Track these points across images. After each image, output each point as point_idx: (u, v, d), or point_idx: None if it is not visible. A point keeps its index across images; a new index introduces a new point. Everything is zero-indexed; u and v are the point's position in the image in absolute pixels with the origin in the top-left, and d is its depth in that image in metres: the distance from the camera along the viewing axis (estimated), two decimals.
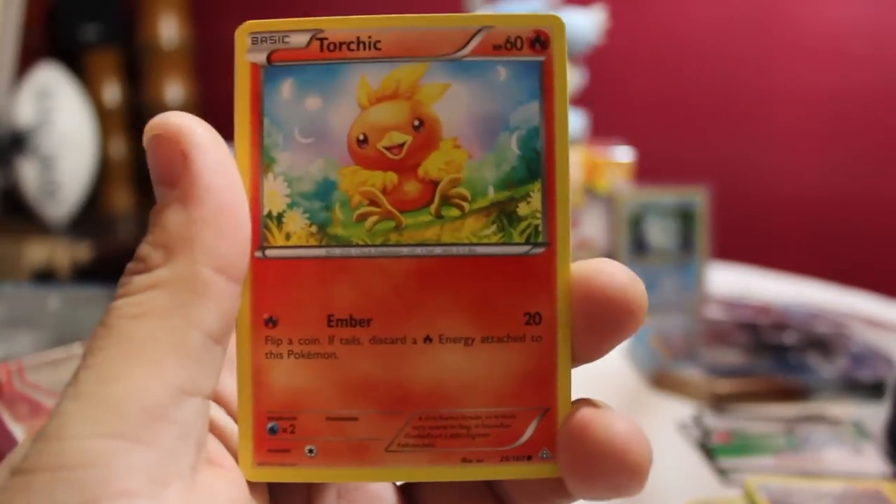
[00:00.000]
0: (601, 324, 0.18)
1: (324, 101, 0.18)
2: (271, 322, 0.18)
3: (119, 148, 1.62)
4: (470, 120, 0.18)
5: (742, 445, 0.50)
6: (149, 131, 0.17)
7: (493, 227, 0.18)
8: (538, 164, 0.18)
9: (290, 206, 0.18)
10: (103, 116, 1.50)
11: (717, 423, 0.54)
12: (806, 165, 1.24)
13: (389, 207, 0.18)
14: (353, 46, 0.18)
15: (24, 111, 1.25)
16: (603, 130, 0.96)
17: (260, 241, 0.18)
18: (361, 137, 0.18)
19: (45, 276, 1.22)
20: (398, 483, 0.20)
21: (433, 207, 0.18)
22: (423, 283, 0.18)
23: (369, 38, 0.18)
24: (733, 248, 0.97)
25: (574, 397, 0.19)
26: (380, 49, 0.18)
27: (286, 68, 0.18)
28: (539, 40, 0.18)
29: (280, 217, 0.18)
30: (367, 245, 0.18)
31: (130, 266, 0.17)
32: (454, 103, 0.18)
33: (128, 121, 1.63)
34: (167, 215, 0.16)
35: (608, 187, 0.79)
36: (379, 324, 0.18)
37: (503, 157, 0.18)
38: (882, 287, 0.87)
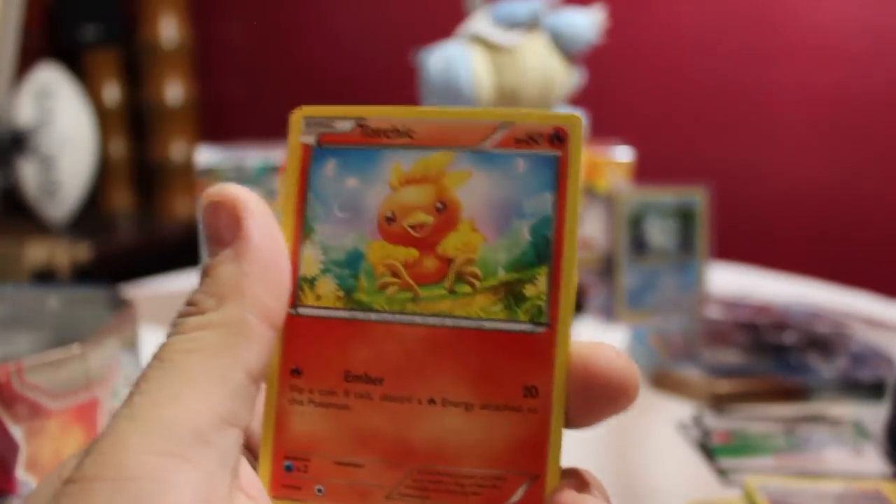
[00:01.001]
0: (597, 401, 0.19)
1: (360, 181, 0.21)
2: (296, 372, 0.20)
3: (119, 148, 1.62)
4: (488, 206, 0.20)
5: (742, 445, 0.50)
6: (207, 198, 0.19)
7: (501, 305, 0.20)
8: (547, 251, 0.20)
9: (323, 271, 0.20)
10: (103, 116, 1.50)
11: (717, 423, 0.54)
12: (806, 165, 1.24)
13: (408, 280, 0.20)
14: (390, 134, 0.21)
15: (24, 111, 1.25)
16: (603, 130, 0.96)
17: (294, 299, 0.20)
18: (390, 215, 0.20)
19: (45, 276, 1.22)
20: None
21: (447, 283, 0.20)
22: (433, 350, 0.20)
23: (404, 126, 0.21)
24: (733, 248, 0.97)
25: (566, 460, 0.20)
26: (413, 137, 0.21)
27: (332, 150, 0.21)
28: (557, 136, 0.20)
29: (313, 280, 0.20)
30: (385, 311, 0.20)
31: (183, 310, 0.19)
32: (475, 190, 0.20)
33: (128, 121, 1.63)
34: (220, 269, 0.19)
35: (608, 187, 0.79)
36: (390, 383, 0.20)
37: (515, 242, 0.20)
38: (882, 287, 0.87)
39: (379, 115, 0.21)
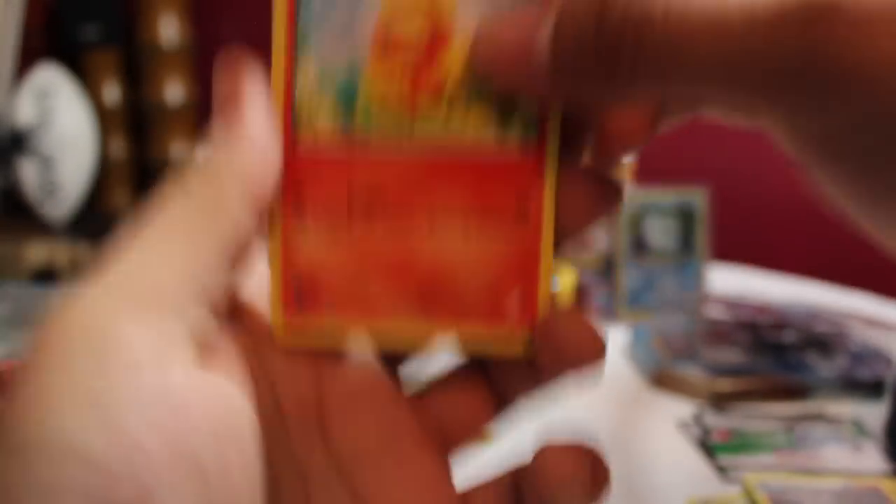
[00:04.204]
0: (583, 209, 0.21)
1: (350, 2, 0.20)
2: (299, 205, 0.21)
3: (119, 148, 1.62)
4: (480, 18, 0.20)
5: (742, 443, 0.50)
6: (218, 78, 0.20)
7: (494, 120, 0.20)
8: None
9: (320, 97, 0.20)
10: (103, 116, 1.50)
11: (717, 421, 0.54)
12: None
13: (405, 102, 0.20)
14: None
15: (24, 111, 1.25)
16: None
17: (291, 132, 0.21)
18: (384, 30, 0.20)
19: (45, 276, 1.22)
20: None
21: (445, 100, 0.20)
22: (431, 171, 0.21)
23: None
24: (733, 248, 0.97)
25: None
26: None
27: None
28: None
29: (310, 109, 0.20)
30: (384, 135, 0.20)
31: (171, 182, 0.20)
32: (467, 5, 0.20)
33: (128, 121, 1.63)
34: (215, 144, 0.20)
35: None
36: (391, 208, 0.21)
37: None
38: (882, 287, 0.87)
39: None
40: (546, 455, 0.21)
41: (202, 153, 0.20)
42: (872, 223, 0.19)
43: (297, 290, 0.21)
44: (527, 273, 0.21)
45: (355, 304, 0.21)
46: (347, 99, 0.20)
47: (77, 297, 0.18)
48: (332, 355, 0.22)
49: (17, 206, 1.31)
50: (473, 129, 0.20)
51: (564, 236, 0.21)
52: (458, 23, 0.20)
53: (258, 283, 0.22)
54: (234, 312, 0.21)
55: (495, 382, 0.22)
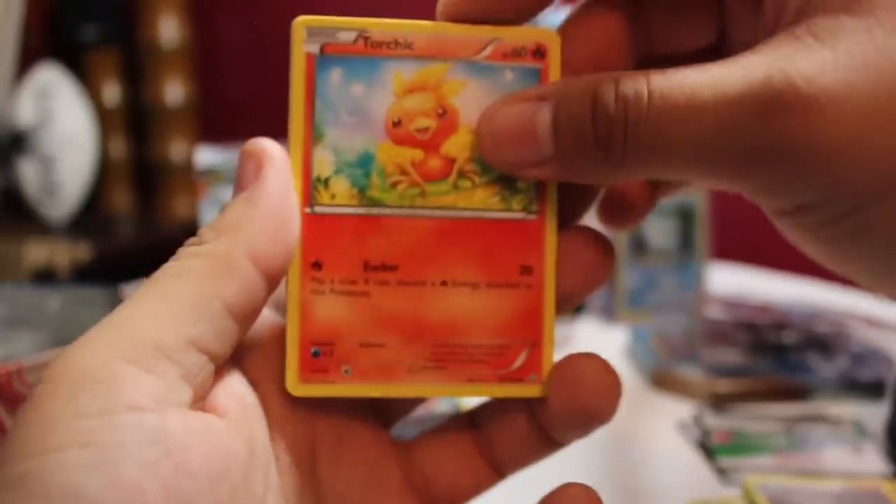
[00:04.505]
0: (581, 273, 0.23)
1: (365, 88, 0.22)
2: (317, 265, 0.22)
3: (119, 148, 1.62)
4: (482, 110, 0.23)
5: (742, 445, 0.50)
6: (242, 149, 0.21)
7: (497, 197, 0.23)
8: None
9: (336, 172, 0.22)
10: (103, 116, 1.50)
11: (717, 422, 0.54)
12: None
13: (416, 177, 0.23)
14: (392, 45, 0.22)
15: (24, 111, 1.25)
16: None
17: (310, 199, 0.22)
18: (396, 120, 0.22)
19: (44, 276, 1.22)
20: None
21: (451, 179, 0.23)
22: (441, 238, 0.23)
23: (405, 39, 0.22)
24: (733, 248, 0.97)
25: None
26: (412, 49, 0.22)
27: (335, 59, 0.22)
28: (539, 51, 0.23)
29: (327, 181, 0.22)
30: (397, 206, 0.23)
31: (188, 240, 0.20)
32: (471, 96, 0.23)
33: (128, 121, 1.63)
34: (229, 208, 0.21)
35: None
36: (404, 269, 0.23)
37: None
38: None
39: (380, 27, 0.22)
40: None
41: (221, 210, 0.21)
42: (852, 277, 0.22)
43: (313, 354, 0.22)
44: (532, 327, 0.23)
45: (369, 365, 0.22)
46: (363, 174, 0.22)
47: (82, 340, 0.18)
48: (333, 402, 0.23)
49: (17, 206, 1.31)
50: (479, 202, 0.23)
51: (565, 296, 0.23)
52: (463, 109, 0.23)
53: (259, 322, 0.22)
54: (234, 353, 0.21)
55: (489, 443, 0.23)
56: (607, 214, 0.25)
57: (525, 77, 0.23)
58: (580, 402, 0.22)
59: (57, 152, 1.28)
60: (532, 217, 0.23)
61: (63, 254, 1.25)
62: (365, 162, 0.22)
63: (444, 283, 0.23)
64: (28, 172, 1.27)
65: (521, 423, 0.23)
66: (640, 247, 0.78)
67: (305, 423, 0.22)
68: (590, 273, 0.23)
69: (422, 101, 0.22)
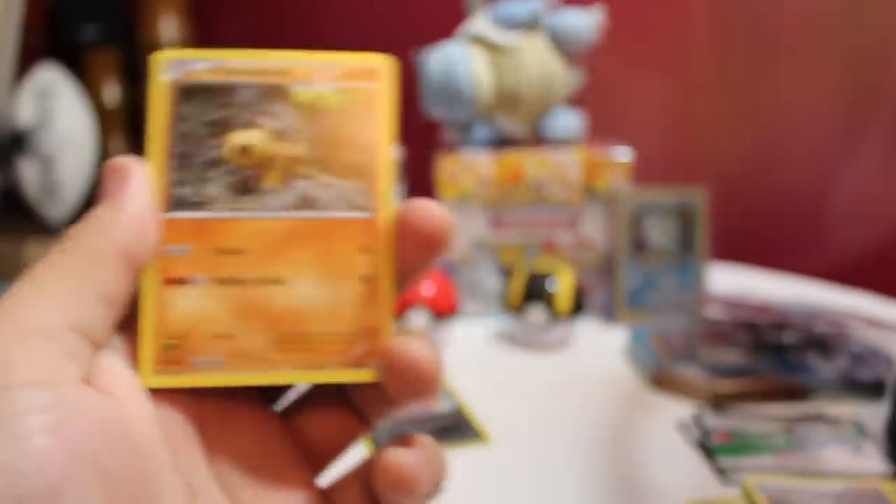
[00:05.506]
0: (418, 252, 0.25)
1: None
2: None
3: (119, 148, 1.62)
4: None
5: (741, 445, 0.50)
6: (106, 164, 0.24)
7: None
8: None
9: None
10: (103, 116, 1.50)
11: (717, 422, 0.54)
12: (806, 165, 1.24)
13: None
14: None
15: (24, 111, 1.25)
16: (602, 130, 0.95)
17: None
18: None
19: None
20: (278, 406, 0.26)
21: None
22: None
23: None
24: (733, 248, 0.97)
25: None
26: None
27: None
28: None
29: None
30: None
31: (62, 237, 0.23)
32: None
33: (128, 121, 1.63)
34: (97, 212, 0.23)
35: (608, 187, 0.79)
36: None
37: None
38: (882, 287, 0.87)
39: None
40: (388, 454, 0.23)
41: (88, 214, 0.23)
42: None
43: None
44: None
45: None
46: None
47: None
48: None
49: (17, 206, 1.31)
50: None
51: (406, 272, 0.25)
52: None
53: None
54: (120, 338, 0.23)
55: (353, 405, 0.26)
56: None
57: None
58: (407, 387, 0.24)
59: (57, 152, 1.27)
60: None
61: None
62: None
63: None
64: (28, 172, 1.27)
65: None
66: (639, 247, 0.78)
67: (190, 405, 0.24)
68: (426, 249, 0.24)
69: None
